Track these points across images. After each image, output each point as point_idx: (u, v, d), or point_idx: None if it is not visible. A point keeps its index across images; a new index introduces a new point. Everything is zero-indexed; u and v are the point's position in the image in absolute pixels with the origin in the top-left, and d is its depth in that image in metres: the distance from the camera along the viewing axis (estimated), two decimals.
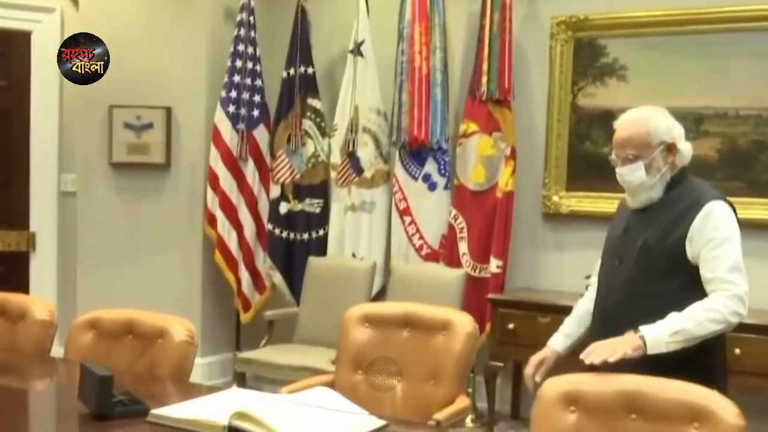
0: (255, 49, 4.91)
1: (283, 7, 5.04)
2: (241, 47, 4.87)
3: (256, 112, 4.91)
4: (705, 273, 2.30)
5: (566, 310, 2.75)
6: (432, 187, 4.55)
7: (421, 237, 4.56)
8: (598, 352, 2.20)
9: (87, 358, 2.74)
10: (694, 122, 4.10)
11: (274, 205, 4.91)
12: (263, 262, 4.95)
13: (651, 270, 2.33)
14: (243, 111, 4.86)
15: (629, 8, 4.24)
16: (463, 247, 4.45)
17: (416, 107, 4.49)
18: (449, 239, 4.50)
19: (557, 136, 4.43)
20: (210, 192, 4.87)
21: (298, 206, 4.88)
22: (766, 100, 3.93)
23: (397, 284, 4.41)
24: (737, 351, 3.62)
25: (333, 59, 5.05)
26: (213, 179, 4.87)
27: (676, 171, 2.40)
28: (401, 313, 2.85)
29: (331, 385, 2.80)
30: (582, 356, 2.22)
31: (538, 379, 2.50)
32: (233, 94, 4.85)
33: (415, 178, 4.57)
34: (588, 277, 2.75)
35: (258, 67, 4.92)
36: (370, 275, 4.52)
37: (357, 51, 4.72)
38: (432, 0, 4.48)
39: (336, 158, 4.81)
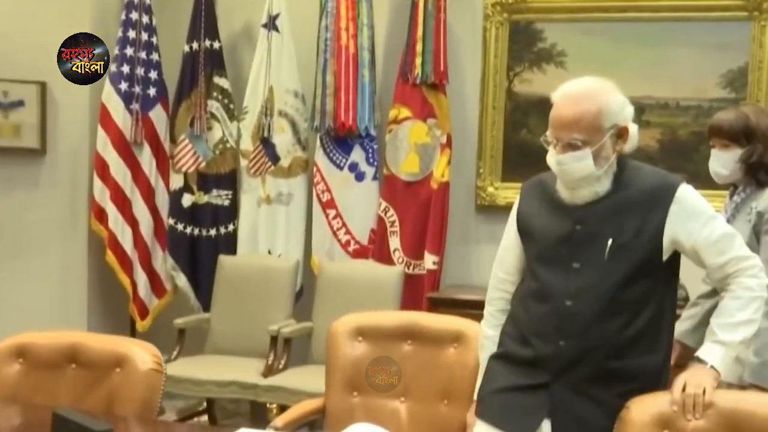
0: (150, 18, 4.28)
1: None
2: (134, 15, 4.23)
3: (152, 91, 4.28)
4: (712, 258, 2.00)
5: None
6: (359, 177, 4.18)
7: (348, 232, 4.17)
8: (699, 405, 1.88)
9: (15, 394, 2.21)
10: (635, 111, 4.00)
11: (175, 197, 4.31)
12: (163, 261, 4.35)
13: (629, 272, 1.99)
14: (137, 89, 4.23)
15: None
16: (394, 242, 4.11)
17: (343, 90, 4.09)
18: (379, 234, 4.14)
19: (492, 124, 4.20)
20: (98, 182, 4.20)
21: (204, 198, 4.32)
22: (707, 91, 3.90)
23: (326, 285, 4.00)
24: None
25: (241, 33, 4.51)
26: (101, 167, 4.21)
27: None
28: (402, 323, 2.52)
29: (322, 408, 2.40)
30: (676, 409, 1.90)
31: None
32: (125, 68, 4.21)
33: (341, 168, 4.17)
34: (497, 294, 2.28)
35: (154, 39, 4.29)
36: (294, 275, 4.09)
37: (272, 25, 4.23)
38: None
39: (247, 144, 4.30)
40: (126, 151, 4.22)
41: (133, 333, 4.29)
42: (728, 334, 1.97)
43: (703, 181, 3.85)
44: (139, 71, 4.24)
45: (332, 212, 4.18)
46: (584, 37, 4.06)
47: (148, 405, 2.13)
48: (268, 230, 4.28)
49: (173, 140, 4.33)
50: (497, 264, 2.28)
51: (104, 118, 4.21)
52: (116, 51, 4.21)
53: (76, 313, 4.24)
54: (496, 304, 2.26)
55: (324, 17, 4.13)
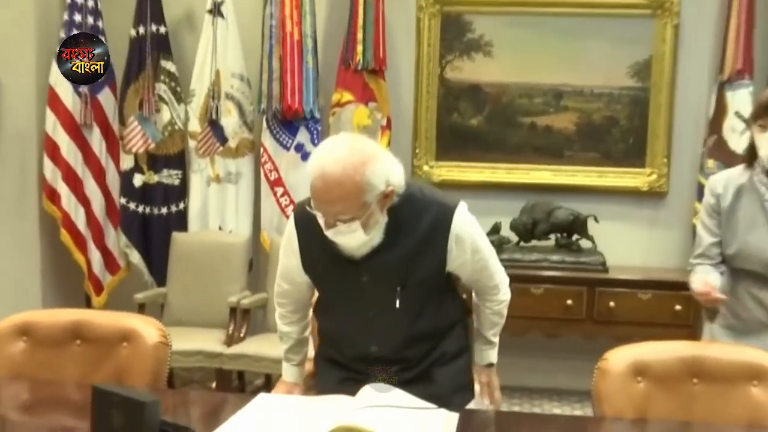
0: (96, 2, 4.39)
1: None
2: None
3: None
4: (472, 277, 2.19)
5: None
6: (305, 157, 4.44)
7: None
8: (497, 403, 2.34)
9: (21, 372, 2.30)
10: (554, 97, 4.47)
11: (127, 177, 4.48)
12: (116, 239, 4.52)
13: (422, 305, 2.12)
14: None
15: None
16: None
17: (289, 75, 4.34)
18: None
19: (426, 108, 4.56)
20: (49, 164, 4.32)
21: (155, 178, 4.51)
22: (616, 80, 4.39)
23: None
24: (611, 304, 4.09)
25: (184, 18, 4.67)
26: (52, 149, 4.33)
27: None
28: None
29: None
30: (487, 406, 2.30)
31: None
32: None
33: (287, 148, 4.45)
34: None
35: (100, 23, 4.41)
36: (247, 249, 4.37)
37: (217, 11, 4.42)
38: None
39: (195, 126, 4.50)
40: (76, 132, 4.35)
41: (88, 308, 4.47)
42: (497, 336, 2.32)
43: (614, 159, 4.48)
44: None
45: (280, 190, 4.46)
46: (509, 29, 4.46)
47: (157, 376, 2.29)
48: (217, 208, 4.52)
49: (122, 122, 4.48)
50: (281, 276, 2.27)
51: (53, 100, 4.31)
52: (63, 34, 4.31)
53: (30, 290, 4.36)
54: (285, 306, 2.33)
55: (269, 5, 4.36)
